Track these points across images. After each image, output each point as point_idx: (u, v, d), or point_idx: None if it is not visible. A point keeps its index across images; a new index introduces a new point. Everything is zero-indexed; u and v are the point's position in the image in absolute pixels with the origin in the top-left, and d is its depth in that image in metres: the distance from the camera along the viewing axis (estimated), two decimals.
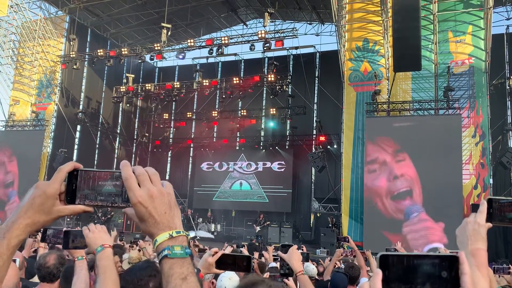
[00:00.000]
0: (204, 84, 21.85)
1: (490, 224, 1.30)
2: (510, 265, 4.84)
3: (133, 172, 1.00)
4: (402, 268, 0.75)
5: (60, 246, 2.51)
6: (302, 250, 5.42)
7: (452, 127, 14.71)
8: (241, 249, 7.33)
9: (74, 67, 20.87)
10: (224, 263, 2.08)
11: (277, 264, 4.60)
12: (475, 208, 1.36)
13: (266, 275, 3.02)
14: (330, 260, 7.84)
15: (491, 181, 15.32)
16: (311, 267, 5.77)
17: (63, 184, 1.02)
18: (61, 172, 1.02)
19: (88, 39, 23.85)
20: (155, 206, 0.98)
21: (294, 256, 2.48)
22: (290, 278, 2.65)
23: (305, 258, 3.36)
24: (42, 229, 2.53)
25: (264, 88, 22.77)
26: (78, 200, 1.02)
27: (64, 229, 2.15)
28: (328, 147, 20.46)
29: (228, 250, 6.04)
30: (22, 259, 3.37)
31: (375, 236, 14.37)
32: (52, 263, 2.93)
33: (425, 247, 13.86)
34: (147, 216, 0.97)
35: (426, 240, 14.08)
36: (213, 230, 20.95)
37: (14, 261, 2.85)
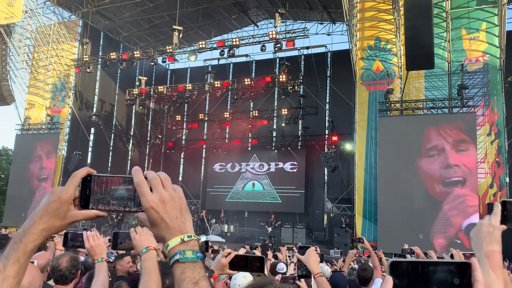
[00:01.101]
0: (216, 85, 21.92)
1: (504, 226, 1.29)
2: None
3: (146, 177, 1.01)
4: (414, 275, 0.74)
5: (81, 249, 2.60)
6: (316, 251, 5.41)
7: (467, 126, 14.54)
8: (254, 250, 7.34)
9: (88, 70, 21.13)
10: (237, 264, 2.09)
11: (291, 266, 4.60)
12: (490, 207, 1.35)
13: (278, 277, 3.02)
14: (343, 261, 7.80)
15: (507, 179, 15.08)
16: (325, 268, 5.75)
17: (77, 189, 1.04)
18: (75, 178, 1.04)
19: (101, 43, 24.13)
20: (167, 211, 0.99)
21: (312, 258, 2.48)
22: (303, 280, 2.65)
23: (320, 258, 3.35)
24: (63, 234, 2.60)
25: (276, 89, 22.76)
26: (92, 205, 1.03)
27: (114, 231, 2.24)
28: (341, 147, 20.35)
29: (241, 251, 6.05)
30: (47, 261, 3.37)
31: (390, 236, 14.25)
32: (65, 265, 2.96)
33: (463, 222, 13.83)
34: (159, 221, 0.98)
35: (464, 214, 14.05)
36: (226, 231, 21.01)
37: (32, 262, 2.89)
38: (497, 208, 1.30)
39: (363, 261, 6.00)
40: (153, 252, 1.82)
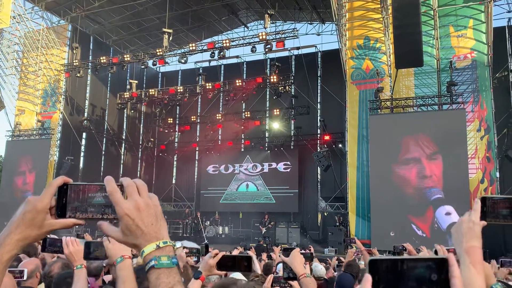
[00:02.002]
0: (207, 87, 21.90)
1: (484, 222, 1.32)
2: None
3: (122, 184, 1.02)
4: (392, 272, 0.75)
5: (61, 255, 2.56)
6: (310, 250, 5.44)
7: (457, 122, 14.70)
8: (248, 251, 7.36)
9: (78, 75, 21.01)
10: (225, 264, 2.11)
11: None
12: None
13: (270, 277, 3.05)
14: (337, 259, 7.86)
15: (497, 174, 15.25)
16: (319, 267, 5.79)
17: (54, 198, 1.04)
18: (51, 187, 1.04)
19: (91, 47, 24.00)
20: (142, 218, 0.99)
21: (296, 259, 2.48)
22: (296, 282, 2.67)
23: (309, 258, 3.38)
24: (42, 239, 2.57)
25: (267, 89, 22.78)
26: (69, 213, 1.04)
27: (85, 240, 2.20)
28: (333, 146, 20.45)
29: (235, 252, 6.08)
30: (34, 266, 3.38)
31: (383, 234, 14.36)
32: (56, 272, 2.95)
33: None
34: (134, 228, 0.98)
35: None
36: (220, 232, 20.99)
37: (22, 272, 2.89)
38: (477, 205, 1.32)
39: (362, 260, 6.03)
40: (128, 261, 1.80)
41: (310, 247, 6.74)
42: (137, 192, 1.01)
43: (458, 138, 14.45)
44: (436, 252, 2.10)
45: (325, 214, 20.94)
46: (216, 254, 2.11)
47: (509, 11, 19.12)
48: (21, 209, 1.04)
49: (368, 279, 0.75)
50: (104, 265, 3.37)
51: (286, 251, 2.61)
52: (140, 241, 0.99)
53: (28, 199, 1.05)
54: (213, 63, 24.17)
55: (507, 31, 18.50)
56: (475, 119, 15.55)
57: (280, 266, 4.98)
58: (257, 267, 5.82)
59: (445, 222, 14.20)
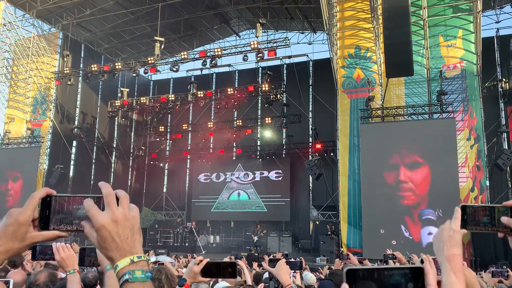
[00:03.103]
0: (199, 95, 21.90)
1: (465, 230, 1.33)
2: (508, 269, 4.84)
3: (102, 191, 1.00)
4: (370, 281, 0.76)
5: (52, 262, 2.54)
6: (300, 260, 5.42)
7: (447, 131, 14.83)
8: (239, 261, 7.28)
9: (69, 83, 20.90)
10: (210, 271, 2.09)
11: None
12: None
13: (261, 286, 3.02)
14: (328, 269, 7.82)
15: (487, 183, 15.37)
16: (309, 275, 5.76)
17: (37, 210, 1.02)
18: (33, 199, 1.03)
19: (82, 55, 23.92)
20: (118, 231, 0.98)
21: (282, 270, 2.48)
22: None
23: (298, 266, 3.36)
24: (31, 247, 2.54)
25: (259, 98, 22.85)
26: (52, 225, 1.02)
27: (81, 246, 2.19)
28: (325, 154, 20.49)
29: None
30: (22, 278, 3.31)
31: (374, 242, 14.36)
32: (42, 281, 2.92)
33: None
34: (110, 240, 0.98)
35: None
36: (212, 241, 20.87)
37: (8, 282, 2.84)
38: (457, 213, 1.33)
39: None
40: None
41: (301, 258, 6.72)
42: (116, 202, 1.00)
43: (448, 146, 14.56)
44: (422, 262, 2.10)
45: (317, 222, 20.91)
46: (201, 261, 2.08)
47: (497, 22, 19.45)
48: (3, 221, 1.03)
49: None
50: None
51: (272, 262, 2.60)
52: (114, 254, 0.98)
53: (10, 212, 1.03)
54: (205, 72, 24.24)
55: (495, 41, 18.79)
56: (465, 128, 15.69)
57: (266, 275, 4.95)
58: (248, 276, 5.76)
59: (426, 240, 14.33)
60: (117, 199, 1.01)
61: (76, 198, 1.04)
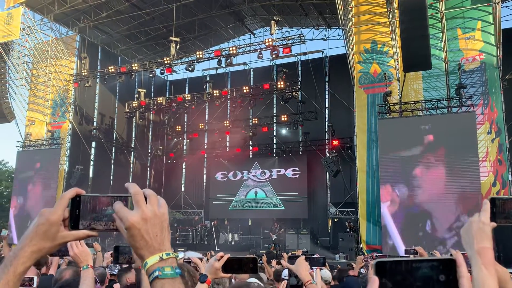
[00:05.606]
0: (215, 94, 21.98)
1: (494, 224, 1.29)
2: None
3: (129, 191, 1.02)
4: (400, 273, 0.75)
5: (66, 257, 2.59)
6: (323, 257, 5.41)
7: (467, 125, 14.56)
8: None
9: (87, 85, 21.23)
10: (231, 267, 2.09)
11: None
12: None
13: (284, 283, 3.02)
14: (347, 266, 7.78)
15: (509, 177, 15.02)
16: (325, 271, 5.75)
17: (67, 210, 1.05)
18: (64, 199, 1.05)
19: (99, 57, 24.25)
20: (147, 229, 0.99)
21: (301, 267, 2.48)
22: None
23: (321, 263, 3.35)
24: None
25: (275, 96, 22.82)
26: (82, 225, 1.04)
27: (114, 245, 2.24)
28: (342, 151, 20.35)
29: None
30: (34, 275, 3.38)
31: (394, 238, 14.22)
32: (67, 278, 2.97)
33: None
34: (139, 238, 0.99)
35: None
36: (230, 239, 20.95)
37: (31, 279, 2.89)
38: (486, 205, 1.30)
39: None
40: None
41: (317, 254, 6.69)
42: (144, 201, 1.01)
43: (469, 141, 14.30)
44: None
45: (335, 220, 20.80)
46: (222, 257, 2.09)
47: None
48: (35, 221, 1.05)
49: (375, 281, 0.75)
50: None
51: (292, 259, 2.59)
52: (143, 252, 1.00)
53: (42, 212, 1.06)
54: (220, 71, 24.29)
55: None
56: (485, 121, 15.37)
57: (286, 272, 4.94)
58: (269, 272, 5.77)
59: (446, 235, 14.16)
60: (145, 198, 1.02)
61: (104, 197, 1.05)
